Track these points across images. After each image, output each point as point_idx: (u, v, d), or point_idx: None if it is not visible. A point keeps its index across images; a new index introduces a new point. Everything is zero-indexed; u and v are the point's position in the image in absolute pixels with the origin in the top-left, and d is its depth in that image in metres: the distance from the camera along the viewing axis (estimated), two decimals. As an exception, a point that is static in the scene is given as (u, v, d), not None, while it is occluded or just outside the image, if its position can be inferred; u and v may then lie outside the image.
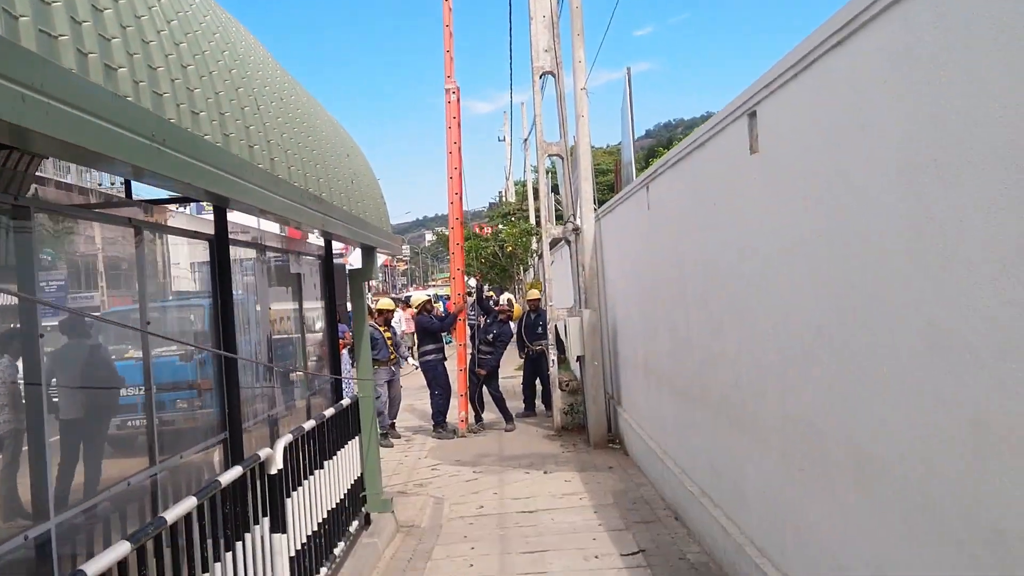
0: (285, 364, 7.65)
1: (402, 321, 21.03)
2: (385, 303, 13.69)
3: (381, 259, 26.44)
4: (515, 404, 14.27)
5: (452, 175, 14.12)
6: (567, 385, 12.64)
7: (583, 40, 12.13)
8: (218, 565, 3.94)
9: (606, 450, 11.31)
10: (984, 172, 2.57)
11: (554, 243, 14.20)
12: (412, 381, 16.55)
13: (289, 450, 5.38)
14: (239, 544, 4.24)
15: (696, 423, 6.87)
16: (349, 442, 7.26)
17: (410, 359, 14.37)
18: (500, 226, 31.38)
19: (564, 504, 8.55)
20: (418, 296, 14.52)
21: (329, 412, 6.56)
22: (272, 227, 9.05)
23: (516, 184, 47.14)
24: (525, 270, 30.87)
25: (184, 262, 5.72)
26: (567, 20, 12.53)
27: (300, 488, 5.53)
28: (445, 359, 13.66)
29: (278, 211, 4.59)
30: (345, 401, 7.24)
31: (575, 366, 12.85)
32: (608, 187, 26.80)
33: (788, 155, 4.30)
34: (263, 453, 4.81)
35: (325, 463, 6.34)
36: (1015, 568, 2.53)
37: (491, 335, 13.83)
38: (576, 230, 12.42)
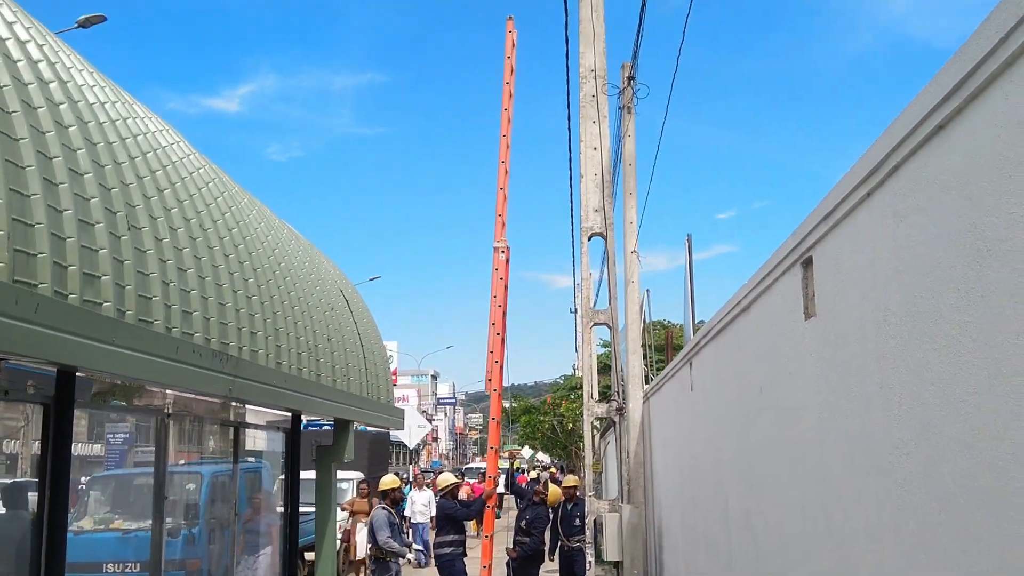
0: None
1: (431, 504, 18.34)
2: (390, 480, 12.08)
3: (421, 432, 24.78)
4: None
5: (493, 343, 12.81)
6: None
7: (635, 200, 11.01)
8: None
9: None
10: None
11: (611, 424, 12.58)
12: None
13: None
14: None
15: None
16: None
17: (409, 554, 12.58)
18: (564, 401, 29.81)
19: None
20: (446, 477, 12.81)
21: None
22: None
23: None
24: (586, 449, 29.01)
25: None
26: (619, 180, 11.49)
27: None
28: (465, 553, 11.81)
29: (132, 374, 3.27)
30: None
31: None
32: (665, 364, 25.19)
33: (857, 320, 2.79)
34: None
35: None
36: None
37: (524, 521, 12.07)
38: (620, 410, 10.81)
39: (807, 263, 3.33)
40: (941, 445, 2.16)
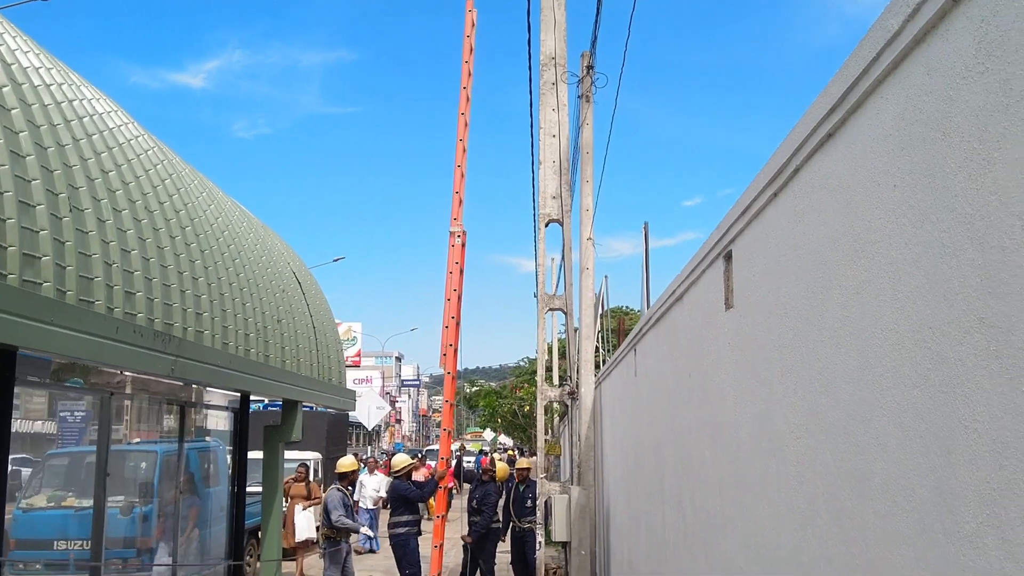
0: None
1: (382, 489, 17.97)
2: (348, 463, 12.16)
3: (380, 413, 24.84)
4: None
5: (448, 324, 12.91)
6: (554, 572, 10.87)
7: (592, 187, 11.14)
8: None
9: (589, 661, 9.43)
10: None
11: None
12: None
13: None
14: None
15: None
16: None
17: (364, 528, 12.66)
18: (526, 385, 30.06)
19: None
20: (401, 458, 12.94)
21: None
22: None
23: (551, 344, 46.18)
24: (546, 429, 29.27)
25: None
26: (577, 168, 11.62)
27: None
28: (420, 533, 11.95)
29: (71, 353, 3.34)
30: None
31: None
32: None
33: (765, 311, 2.96)
34: None
35: None
36: None
37: (475, 500, 12.26)
38: (572, 394, 11.00)
39: (728, 257, 3.49)
40: (824, 430, 2.33)
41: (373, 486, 18.70)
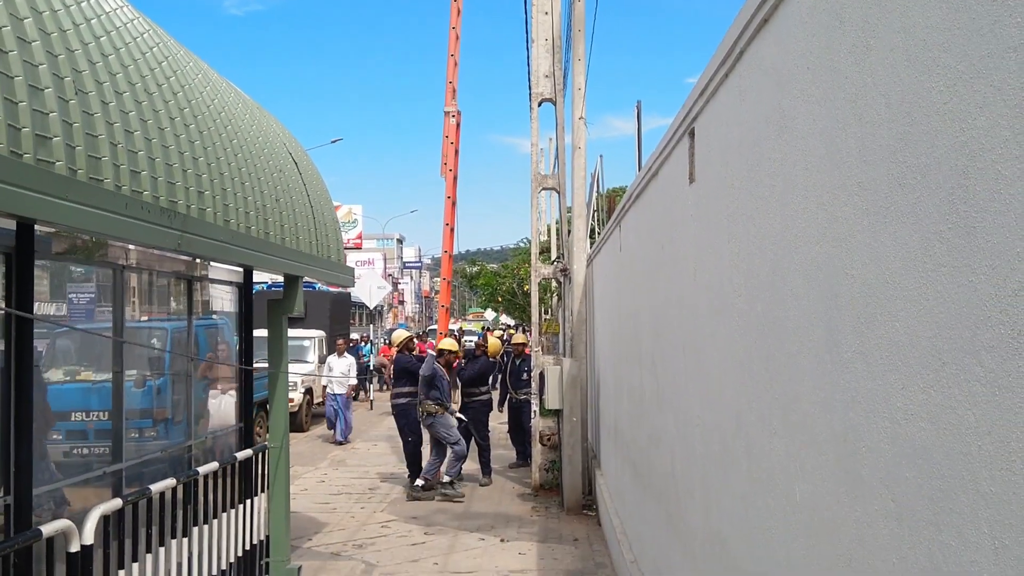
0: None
1: (352, 371, 17.23)
2: (448, 343, 12.65)
3: (380, 293, 25.26)
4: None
5: (446, 203, 13.19)
6: (548, 439, 11.49)
7: (584, 66, 11.16)
8: None
9: (579, 517, 10.12)
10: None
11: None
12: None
13: (119, 519, 4.40)
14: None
15: (644, 507, 5.73)
16: (247, 501, 6.25)
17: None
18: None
19: (506, 585, 7.41)
20: (400, 333, 13.45)
21: (207, 468, 5.56)
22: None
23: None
24: (546, 310, 29.87)
25: None
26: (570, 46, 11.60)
27: (137, 564, 4.55)
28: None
29: (85, 227, 3.64)
30: (244, 453, 6.24)
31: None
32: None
33: (718, 184, 3.24)
34: (52, 527, 3.81)
35: (195, 529, 5.36)
36: None
37: (466, 374, 12.82)
38: (565, 271, 11.37)
39: (691, 134, 3.73)
40: (756, 286, 2.65)
41: (342, 369, 16.90)
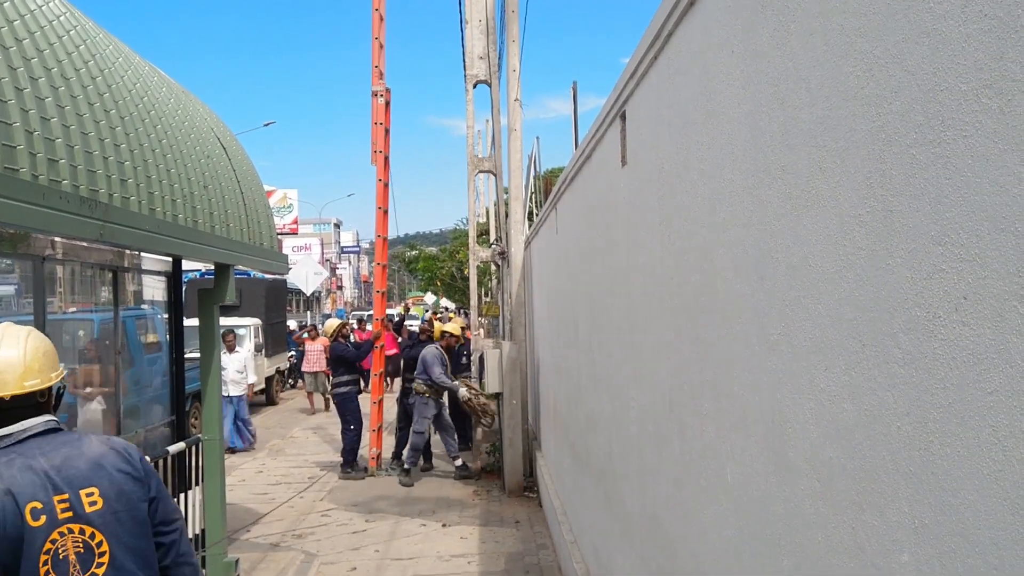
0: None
1: (248, 370, 14.85)
2: (452, 327, 12.41)
3: (318, 279, 24.96)
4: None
5: (378, 186, 13.02)
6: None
7: (519, 47, 11.11)
8: None
9: (520, 499, 10.17)
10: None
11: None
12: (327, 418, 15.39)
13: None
14: None
15: (584, 489, 5.78)
16: (179, 496, 6.13)
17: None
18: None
19: (448, 569, 7.41)
20: (331, 322, 13.26)
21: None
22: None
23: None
24: (486, 293, 29.90)
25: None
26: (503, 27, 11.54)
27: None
28: (360, 391, 12.47)
29: (3, 219, 3.49)
30: (177, 447, 6.11)
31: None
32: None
33: (650, 168, 3.24)
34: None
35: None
36: None
37: (409, 359, 12.73)
38: (503, 254, 11.36)
39: (623, 116, 3.74)
40: (687, 269, 2.66)
41: (236, 367, 14.30)
